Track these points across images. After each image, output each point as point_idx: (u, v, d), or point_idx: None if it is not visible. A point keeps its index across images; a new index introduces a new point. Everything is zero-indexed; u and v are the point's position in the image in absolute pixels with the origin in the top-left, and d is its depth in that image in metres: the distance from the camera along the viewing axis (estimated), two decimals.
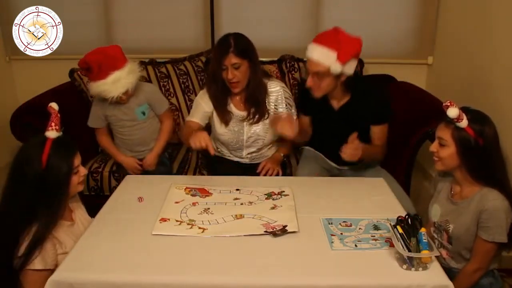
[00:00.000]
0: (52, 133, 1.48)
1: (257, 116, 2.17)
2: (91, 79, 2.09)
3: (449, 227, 1.58)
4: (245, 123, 2.20)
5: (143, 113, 2.25)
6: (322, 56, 1.90)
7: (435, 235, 1.67)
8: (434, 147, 1.57)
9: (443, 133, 1.53)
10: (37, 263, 1.38)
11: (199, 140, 1.86)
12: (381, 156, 2.18)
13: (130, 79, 2.09)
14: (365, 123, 2.11)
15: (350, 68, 1.95)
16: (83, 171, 1.56)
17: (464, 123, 1.46)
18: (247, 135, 2.21)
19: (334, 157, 2.18)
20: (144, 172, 2.29)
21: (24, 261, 1.37)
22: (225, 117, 2.17)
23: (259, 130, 2.20)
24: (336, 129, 2.08)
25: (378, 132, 2.12)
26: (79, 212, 1.67)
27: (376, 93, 2.12)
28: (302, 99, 2.27)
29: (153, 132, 2.32)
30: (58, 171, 1.45)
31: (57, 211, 1.47)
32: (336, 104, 2.11)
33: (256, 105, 2.16)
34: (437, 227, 1.65)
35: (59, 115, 1.54)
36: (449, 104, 1.46)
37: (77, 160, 1.53)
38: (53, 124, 1.50)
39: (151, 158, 2.27)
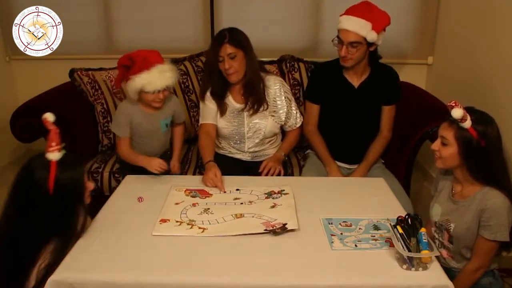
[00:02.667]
0: (54, 155, 1.38)
1: (255, 106, 2.20)
2: (133, 73, 1.95)
3: (450, 226, 1.58)
4: (245, 114, 2.23)
5: (166, 125, 2.19)
6: (359, 26, 2.01)
7: (436, 235, 1.67)
8: (435, 145, 1.57)
9: (446, 132, 1.52)
10: None
11: (210, 181, 1.90)
12: (387, 144, 2.28)
13: (174, 75, 2.03)
14: (379, 101, 2.24)
15: (381, 38, 2.08)
16: (90, 186, 1.51)
17: (467, 123, 1.46)
18: (248, 127, 2.24)
19: (346, 152, 2.27)
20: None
21: (39, 286, 1.31)
22: (221, 107, 2.24)
23: (259, 120, 2.23)
24: (355, 108, 2.21)
25: (387, 112, 2.25)
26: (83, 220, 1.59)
27: (393, 73, 2.26)
28: (314, 85, 2.32)
29: (166, 142, 2.28)
30: (69, 194, 1.39)
31: (73, 231, 1.43)
32: (356, 82, 2.21)
33: (254, 95, 2.20)
34: (438, 226, 1.65)
35: (58, 130, 1.41)
36: (453, 104, 1.45)
37: (86, 177, 1.49)
38: (53, 144, 1.38)
39: (177, 164, 2.23)
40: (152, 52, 2.01)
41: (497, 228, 1.47)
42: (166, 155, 2.28)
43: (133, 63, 1.96)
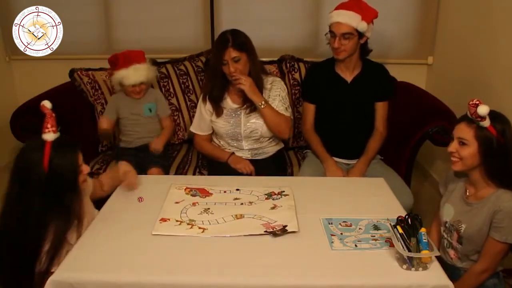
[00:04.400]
0: (49, 136, 1.44)
1: (253, 106, 2.21)
2: (116, 69, 2.38)
3: (461, 227, 1.56)
4: (242, 114, 2.24)
5: (150, 110, 2.49)
6: (349, 18, 2.14)
7: (445, 235, 1.66)
8: (453, 147, 1.54)
9: (464, 132, 1.51)
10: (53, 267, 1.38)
11: (245, 167, 2.18)
12: (384, 140, 2.32)
13: (149, 72, 2.44)
14: (372, 98, 2.30)
15: (370, 30, 2.21)
16: (85, 169, 1.54)
17: (487, 122, 1.46)
18: (244, 127, 2.24)
19: (344, 148, 2.29)
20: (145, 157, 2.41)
21: (48, 267, 1.37)
22: (218, 110, 2.27)
23: (256, 120, 2.24)
24: (349, 104, 2.27)
25: (381, 109, 2.31)
26: (86, 208, 1.62)
27: (383, 70, 2.36)
28: (309, 85, 2.39)
29: (153, 130, 2.52)
30: (63, 174, 1.42)
31: (70, 213, 1.45)
32: (348, 77, 2.28)
33: None
34: (448, 227, 1.64)
35: (53, 114, 1.49)
36: (477, 102, 1.44)
37: (80, 160, 1.50)
38: (49, 125, 1.45)
39: (159, 142, 2.44)
40: (135, 53, 2.43)
41: (509, 230, 1.46)
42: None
43: (117, 61, 2.38)
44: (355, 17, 2.14)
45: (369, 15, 2.18)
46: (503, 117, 1.51)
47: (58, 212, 1.42)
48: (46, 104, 1.51)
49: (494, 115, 1.48)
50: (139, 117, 2.48)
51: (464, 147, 1.51)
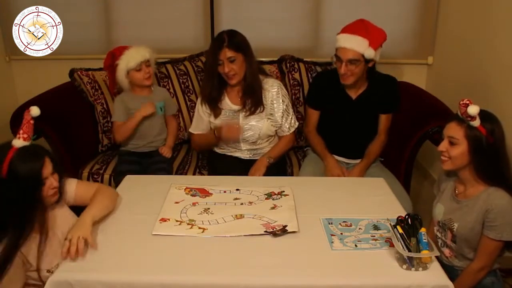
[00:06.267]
0: (17, 142, 1.39)
1: (252, 108, 2.22)
2: (117, 58, 2.31)
3: (454, 225, 1.58)
4: (240, 115, 2.24)
5: (161, 109, 2.43)
6: (356, 44, 2.05)
7: (439, 234, 1.67)
8: (443, 146, 1.56)
9: (454, 131, 1.52)
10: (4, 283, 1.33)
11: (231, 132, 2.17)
12: (384, 146, 2.31)
13: (149, 50, 2.34)
14: (376, 111, 2.28)
15: (378, 54, 2.12)
16: (51, 183, 1.43)
17: (477, 121, 1.47)
18: (242, 128, 2.24)
19: (345, 150, 2.30)
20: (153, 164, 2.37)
21: None
22: (215, 111, 2.27)
23: (255, 123, 2.24)
24: (352, 119, 2.25)
25: (384, 120, 2.29)
26: (58, 216, 1.53)
27: (391, 83, 2.30)
28: (314, 93, 2.36)
29: (161, 128, 2.47)
30: (21, 182, 1.35)
31: (27, 226, 1.37)
32: (353, 94, 2.24)
33: (253, 97, 2.21)
34: (441, 226, 1.65)
35: (32, 122, 1.44)
36: (467, 102, 1.45)
37: (46, 171, 1.41)
38: (21, 131, 1.40)
39: (167, 149, 2.43)
40: (129, 46, 2.36)
41: (503, 228, 1.47)
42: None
43: (113, 54, 2.33)
44: (362, 42, 2.05)
45: (377, 39, 2.08)
46: (493, 117, 1.52)
47: (13, 221, 1.35)
48: (32, 111, 1.46)
49: (484, 115, 1.49)
50: (153, 117, 2.39)
51: (454, 146, 1.53)
